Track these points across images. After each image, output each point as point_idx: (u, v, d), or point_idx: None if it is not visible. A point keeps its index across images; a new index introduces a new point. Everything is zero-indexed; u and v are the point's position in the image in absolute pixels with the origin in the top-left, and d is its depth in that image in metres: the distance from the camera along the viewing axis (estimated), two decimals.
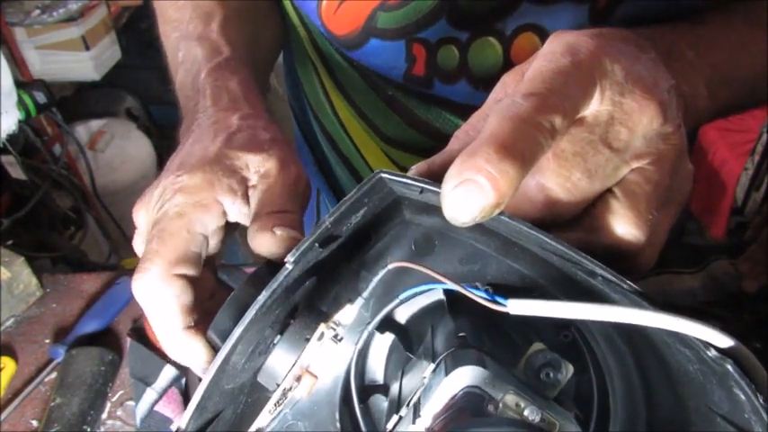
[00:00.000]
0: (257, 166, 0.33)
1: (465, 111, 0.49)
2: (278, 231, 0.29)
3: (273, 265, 0.29)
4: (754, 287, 0.64)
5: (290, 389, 0.25)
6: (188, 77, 0.41)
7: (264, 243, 0.30)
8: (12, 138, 1.33)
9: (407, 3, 0.43)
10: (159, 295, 0.30)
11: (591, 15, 0.41)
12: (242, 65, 0.42)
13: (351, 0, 0.45)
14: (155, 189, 0.33)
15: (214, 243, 0.33)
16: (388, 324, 0.34)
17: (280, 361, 0.26)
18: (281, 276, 0.23)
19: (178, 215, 0.31)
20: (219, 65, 0.41)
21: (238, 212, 0.33)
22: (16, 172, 1.43)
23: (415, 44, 0.45)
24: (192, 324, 0.30)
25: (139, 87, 1.98)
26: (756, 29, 0.39)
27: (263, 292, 0.23)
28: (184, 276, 0.30)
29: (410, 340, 0.35)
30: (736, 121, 1.58)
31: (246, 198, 0.33)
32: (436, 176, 0.23)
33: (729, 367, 0.19)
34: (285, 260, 0.24)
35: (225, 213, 0.32)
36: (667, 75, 0.28)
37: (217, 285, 0.34)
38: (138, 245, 0.34)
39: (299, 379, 0.25)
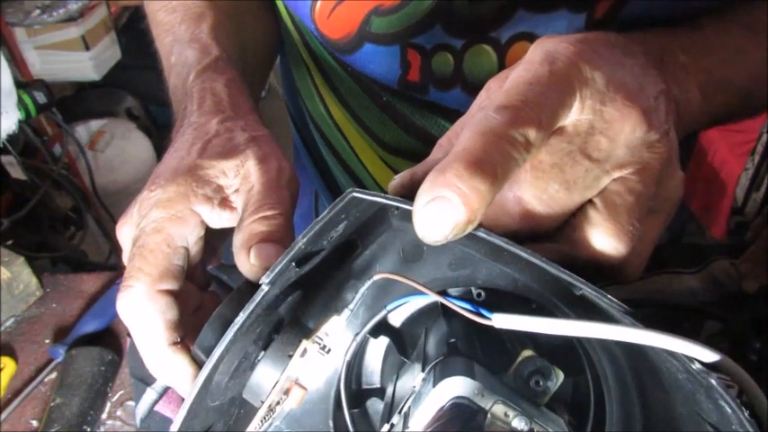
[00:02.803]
0: (235, 171, 0.33)
1: (460, 117, 0.49)
2: (253, 259, 0.29)
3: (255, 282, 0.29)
4: (754, 287, 0.64)
5: (279, 402, 0.25)
6: (179, 80, 0.42)
7: (242, 265, 0.30)
8: (12, 138, 1.33)
9: (402, 7, 0.43)
10: (144, 312, 0.30)
11: (587, 24, 0.40)
12: (230, 65, 0.42)
13: (344, 4, 0.44)
14: (134, 205, 0.33)
15: (195, 253, 0.33)
16: (382, 327, 0.34)
17: (263, 378, 0.26)
18: (257, 298, 0.23)
19: (155, 230, 0.31)
20: (208, 66, 0.41)
21: (219, 219, 0.32)
22: (16, 172, 1.43)
23: (410, 50, 0.45)
24: (178, 340, 0.30)
25: (139, 87, 1.98)
26: (754, 34, 0.39)
27: (241, 314, 0.23)
28: (168, 292, 0.30)
29: (405, 343, 0.35)
30: None
31: (225, 205, 0.33)
32: (418, 186, 0.23)
33: (713, 381, 0.19)
34: (260, 281, 0.24)
35: (203, 223, 0.32)
36: (657, 80, 0.28)
37: (203, 296, 0.34)
38: (126, 261, 0.34)
39: (287, 392, 0.25)
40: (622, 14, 0.40)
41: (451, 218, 0.21)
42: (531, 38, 0.42)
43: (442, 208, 0.21)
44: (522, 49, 0.43)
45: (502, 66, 0.44)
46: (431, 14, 0.43)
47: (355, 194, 0.24)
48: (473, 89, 0.46)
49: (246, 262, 0.29)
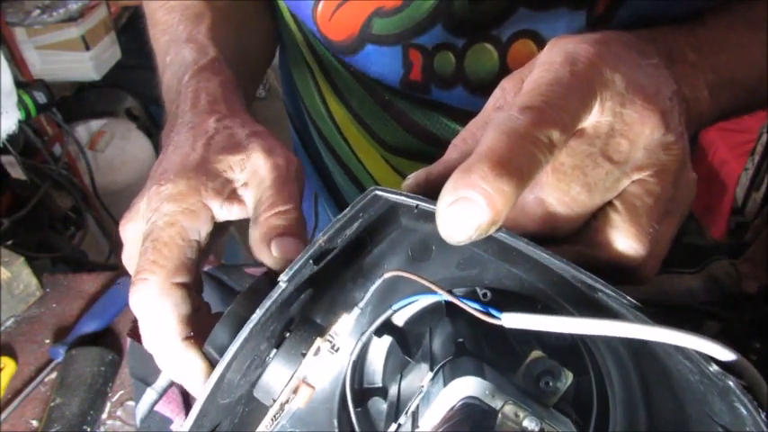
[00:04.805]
0: (242, 164, 0.33)
1: (462, 116, 0.49)
2: (275, 251, 0.29)
3: (270, 279, 0.29)
4: (754, 287, 0.64)
5: (287, 401, 0.25)
6: (173, 80, 0.41)
7: (264, 259, 0.30)
8: (12, 138, 1.33)
9: (403, 9, 0.43)
10: (158, 306, 0.30)
11: (588, 21, 0.41)
12: (226, 66, 0.42)
13: (346, 6, 0.44)
14: (140, 201, 0.32)
15: (204, 248, 0.32)
16: (386, 327, 0.34)
17: (275, 376, 0.26)
18: (274, 295, 0.23)
19: (169, 224, 0.30)
20: (203, 66, 0.40)
21: (228, 213, 0.32)
22: (16, 172, 1.43)
23: (412, 50, 0.45)
24: (191, 335, 0.30)
25: (139, 87, 1.98)
26: (757, 30, 0.39)
27: (257, 311, 0.23)
28: (182, 285, 0.30)
29: (408, 343, 0.35)
30: (736, 120, 1.58)
31: (234, 198, 0.33)
32: (434, 187, 0.22)
33: (731, 383, 0.19)
34: (279, 279, 0.24)
35: (213, 218, 0.32)
36: (670, 80, 0.28)
37: (199, 299, 0.34)
38: (128, 259, 0.33)
39: (295, 390, 0.25)
40: (621, 11, 0.40)
41: (476, 219, 0.21)
42: (531, 35, 0.42)
43: (467, 209, 0.21)
44: (523, 46, 0.43)
45: (503, 64, 0.44)
46: (432, 15, 0.43)
47: (377, 192, 0.24)
48: (475, 87, 0.46)
49: (270, 255, 0.29)
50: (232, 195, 0.32)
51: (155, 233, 0.30)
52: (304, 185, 0.34)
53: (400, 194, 0.24)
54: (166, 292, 0.30)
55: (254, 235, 0.31)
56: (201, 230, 0.32)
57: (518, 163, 0.22)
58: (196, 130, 0.35)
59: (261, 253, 0.30)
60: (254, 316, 0.23)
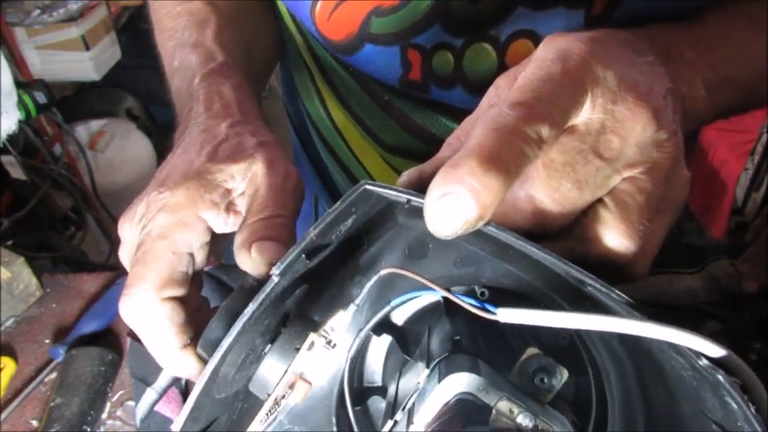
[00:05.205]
0: (243, 174, 0.33)
1: (462, 115, 0.48)
2: (254, 253, 0.29)
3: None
4: (754, 287, 0.64)
5: (283, 396, 0.25)
6: (183, 83, 0.42)
7: (244, 263, 0.30)
8: (12, 138, 1.33)
9: (401, 8, 0.43)
10: (148, 319, 0.30)
11: (586, 21, 0.41)
12: (236, 70, 0.42)
13: (344, 5, 0.44)
14: (139, 203, 0.33)
15: (200, 259, 0.33)
16: (385, 326, 0.34)
17: (270, 371, 0.26)
18: (267, 288, 0.23)
19: (161, 236, 0.30)
20: (213, 70, 0.41)
21: (224, 224, 0.32)
22: (16, 172, 1.43)
23: (410, 49, 0.45)
24: (188, 342, 0.30)
25: (139, 87, 1.99)
26: (756, 28, 0.39)
27: (250, 305, 0.23)
28: (173, 298, 0.30)
29: (407, 342, 0.35)
30: (736, 121, 1.58)
31: (231, 210, 0.33)
32: (427, 184, 0.23)
33: (720, 377, 0.19)
34: (271, 273, 0.24)
35: (209, 229, 0.32)
36: (665, 78, 0.28)
37: (201, 298, 0.34)
38: (124, 259, 0.34)
39: (292, 386, 0.25)
40: (619, 10, 0.40)
41: (463, 214, 0.21)
42: (530, 35, 0.42)
43: (454, 204, 0.21)
44: (521, 46, 0.43)
45: (502, 64, 0.44)
46: (430, 14, 0.43)
47: (367, 187, 0.24)
48: (474, 87, 0.46)
49: (248, 258, 0.29)
50: (230, 207, 0.33)
51: (146, 244, 0.31)
52: (302, 202, 0.34)
53: (391, 189, 0.24)
54: (154, 306, 0.30)
55: (237, 240, 0.30)
56: (195, 243, 0.31)
57: (506, 158, 0.22)
58: (207, 134, 0.35)
59: (241, 256, 0.30)
60: (247, 310, 0.23)
